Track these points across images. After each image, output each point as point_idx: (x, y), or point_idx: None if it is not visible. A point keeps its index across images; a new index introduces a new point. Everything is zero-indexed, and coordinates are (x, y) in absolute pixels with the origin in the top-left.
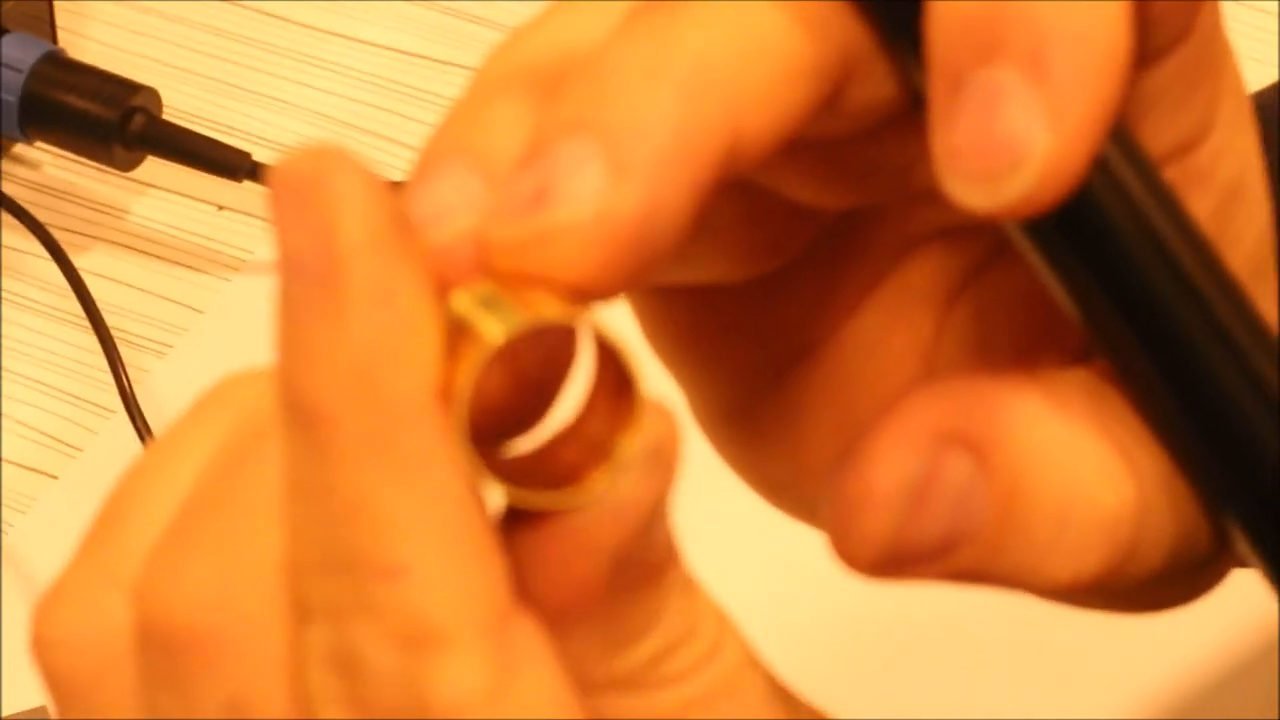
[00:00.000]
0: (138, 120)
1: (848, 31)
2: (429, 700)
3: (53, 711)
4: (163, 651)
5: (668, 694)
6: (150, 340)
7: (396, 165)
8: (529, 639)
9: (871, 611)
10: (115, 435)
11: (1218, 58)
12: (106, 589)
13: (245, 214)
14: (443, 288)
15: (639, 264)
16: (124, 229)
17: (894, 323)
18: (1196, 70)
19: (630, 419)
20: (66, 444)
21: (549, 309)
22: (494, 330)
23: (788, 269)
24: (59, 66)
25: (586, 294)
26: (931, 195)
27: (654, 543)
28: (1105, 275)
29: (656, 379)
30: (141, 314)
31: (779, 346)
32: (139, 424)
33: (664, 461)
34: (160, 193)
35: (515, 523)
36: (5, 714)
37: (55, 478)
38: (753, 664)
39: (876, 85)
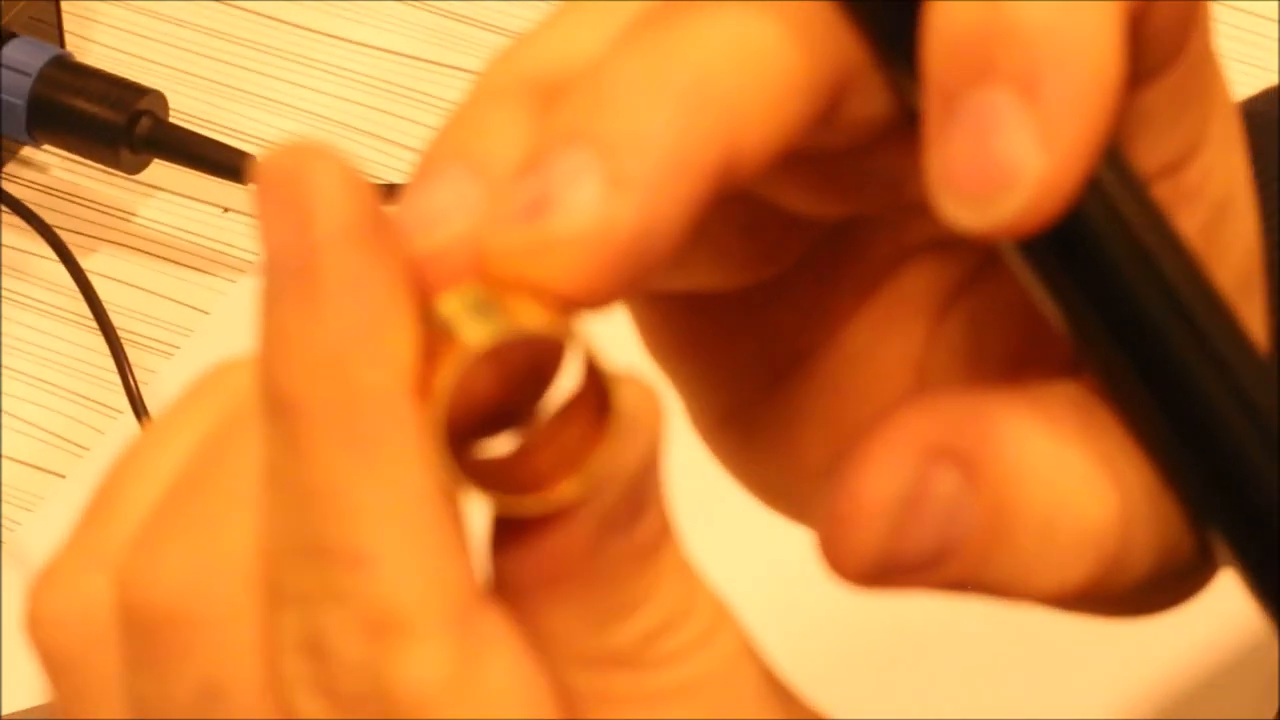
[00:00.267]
0: (144, 123)
1: (844, 47)
2: (392, 688)
3: (53, 711)
4: (140, 633)
5: (659, 675)
6: (157, 341)
7: (397, 167)
8: (495, 629)
9: (865, 612)
10: (122, 435)
11: (1209, 75)
12: (94, 570)
13: (251, 216)
14: (435, 290)
15: (633, 275)
16: (130, 231)
17: (887, 331)
18: (1188, 89)
19: (606, 435)
20: (74, 443)
21: (537, 319)
22: (478, 336)
23: (783, 277)
24: (66, 70)
25: (579, 304)
26: (925, 207)
27: (643, 517)
28: (1094, 292)
29: (652, 381)
30: (148, 315)
31: (774, 353)
32: (145, 424)
33: (642, 432)
34: (166, 195)
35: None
36: (6, 713)
37: (63, 477)
38: (749, 654)
39: (872, 100)
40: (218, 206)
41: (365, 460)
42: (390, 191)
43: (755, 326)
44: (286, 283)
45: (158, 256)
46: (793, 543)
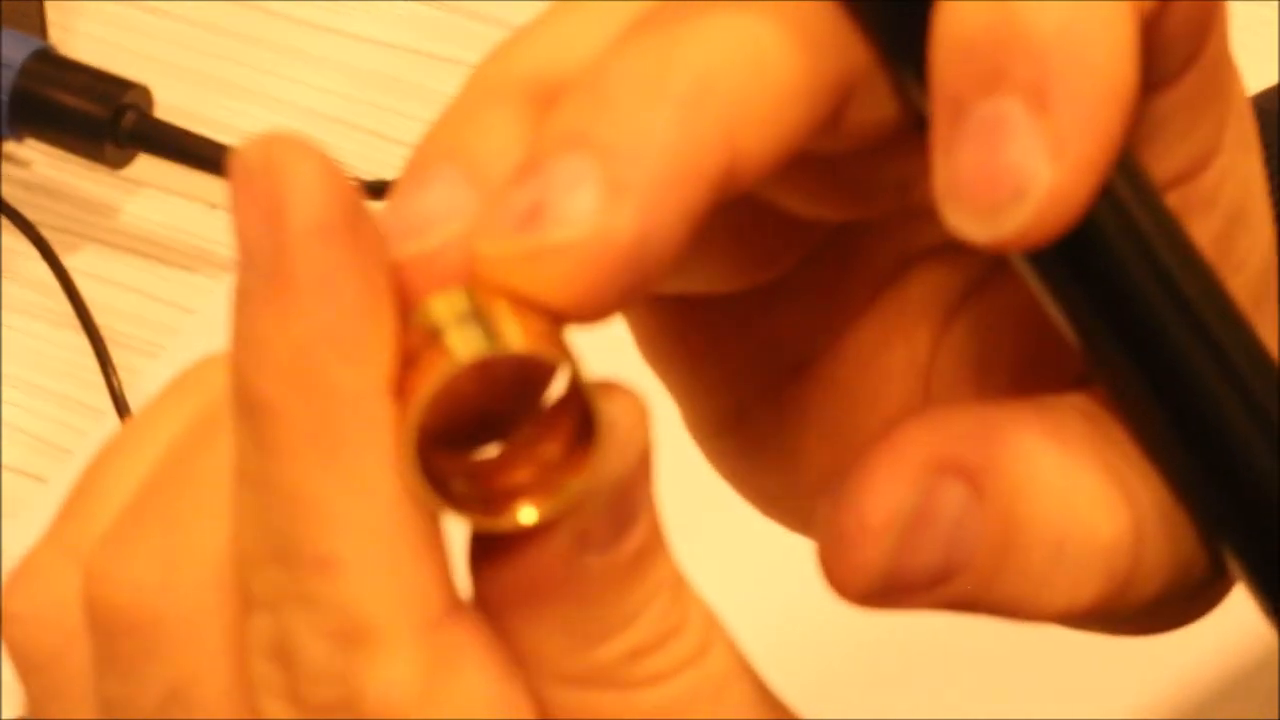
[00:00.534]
0: (129, 117)
1: (850, 52)
2: (360, 697)
3: (29, 711)
4: (106, 634)
5: (646, 694)
6: (141, 340)
7: (389, 163)
8: (468, 641)
9: (869, 623)
10: (105, 438)
11: (1225, 80)
12: (67, 566)
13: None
14: (422, 294)
15: (629, 288)
16: (115, 228)
17: (891, 337)
18: (1204, 95)
19: (583, 460)
20: (56, 446)
21: (524, 337)
22: (463, 350)
23: (784, 280)
24: (49, 63)
25: (572, 317)
26: (931, 212)
27: (627, 534)
28: (1105, 304)
29: (641, 391)
30: (132, 314)
31: (774, 358)
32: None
33: (625, 449)
34: (152, 191)
35: None
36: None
37: (44, 481)
38: (740, 671)
39: (878, 105)
40: (204, 202)
41: (334, 462)
42: (381, 188)
43: (755, 330)
44: (258, 280)
45: (143, 254)
46: (792, 553)
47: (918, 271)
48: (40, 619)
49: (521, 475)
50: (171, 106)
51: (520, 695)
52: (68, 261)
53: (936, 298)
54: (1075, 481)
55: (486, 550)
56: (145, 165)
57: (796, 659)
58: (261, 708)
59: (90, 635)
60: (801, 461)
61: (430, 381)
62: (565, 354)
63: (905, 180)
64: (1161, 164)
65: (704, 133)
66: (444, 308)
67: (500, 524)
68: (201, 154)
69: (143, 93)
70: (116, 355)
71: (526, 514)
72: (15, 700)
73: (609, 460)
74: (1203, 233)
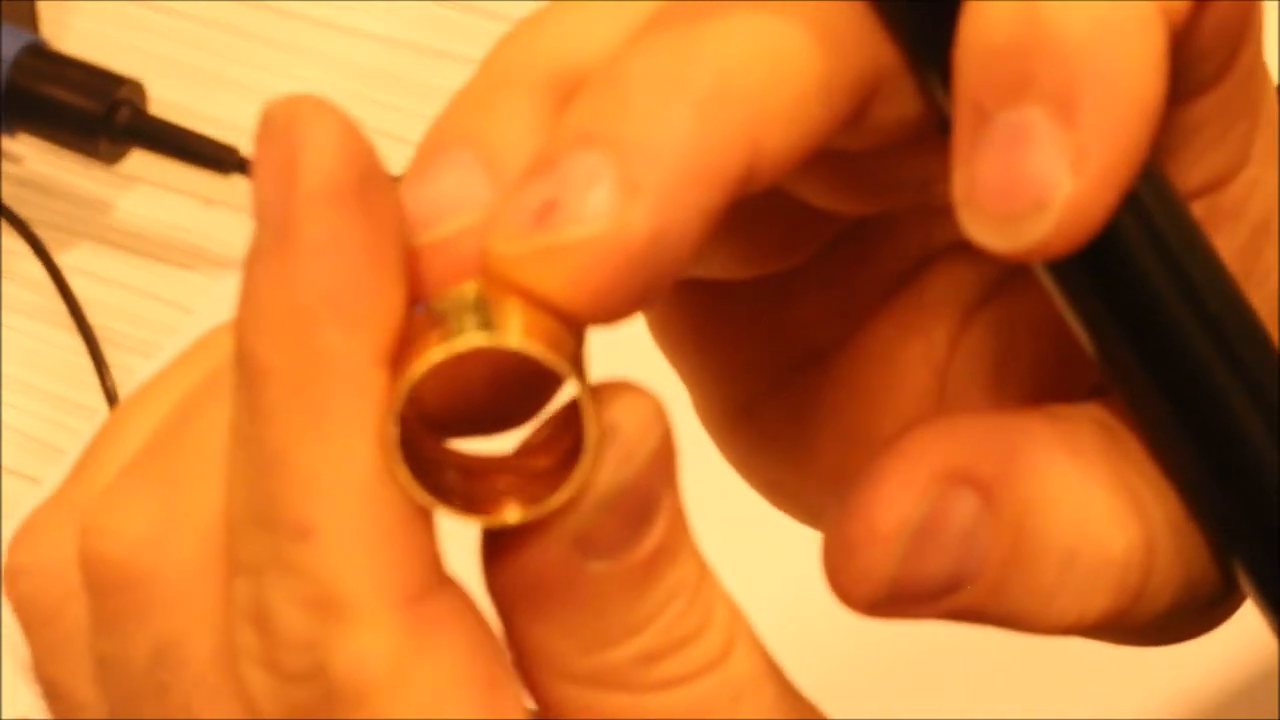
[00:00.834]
0: (123, 113)
1: (874, 51)
2: (331, 669)
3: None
4: (99, 589)
5: (658, 697)
6: (137, 340)
7: (387, 157)
8: (445, 619)
9: (870, 622)
10: None
11: (1256, 90)
12: (70, 523)
13: (233, 209)
14: (433, 279)
15: (643, 288)
16: (109, 224)
17: (908, 334)
18: (1235, 105)
19: (572, 477)
20: (50, 445)
21: (526, 332)
22: (458, 336)
23: (801, 270)
24: (42, 58)
25: (584, 318)
26: (952, 209)
27: (638, 540)
28: (1125, 315)
29: (661, 376)
30: (127, 312)
31: (789, 348)
32: None
33: (630, 456)
34: (146, 187)
35: None
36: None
37: (37, 481)
38: (762, 675)
39: (901, 105)
40: (199, 198)
41: (318, 426)
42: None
43: (770, 319)
44: (266, 240)
45: (137, 251)
46: (795, 553)
47: (938, 268)
48: (44, 572)
49: (505, 480)
50: (166, 102)
51: (500, 677)
52: (61, 258)
53: (956, 296)
54: (1088, 495)
55: (495, 547)
56: (139, 161)
57: (797, 659)
58: (241, 675)
59: (86, 591)
60: (813, 454)
61: (423, 362)
62: (567, 358)
63: (927, 177)
64: (1189, 174)
65: (722, 132)
66: (454, 296)
67: (474, 519)
68: (196, 150)
69: (136, 88)
70: (111, 354)
71: (511, 514)
72: (15, 700)
73: (605, 470)
74: (1227, 244)
